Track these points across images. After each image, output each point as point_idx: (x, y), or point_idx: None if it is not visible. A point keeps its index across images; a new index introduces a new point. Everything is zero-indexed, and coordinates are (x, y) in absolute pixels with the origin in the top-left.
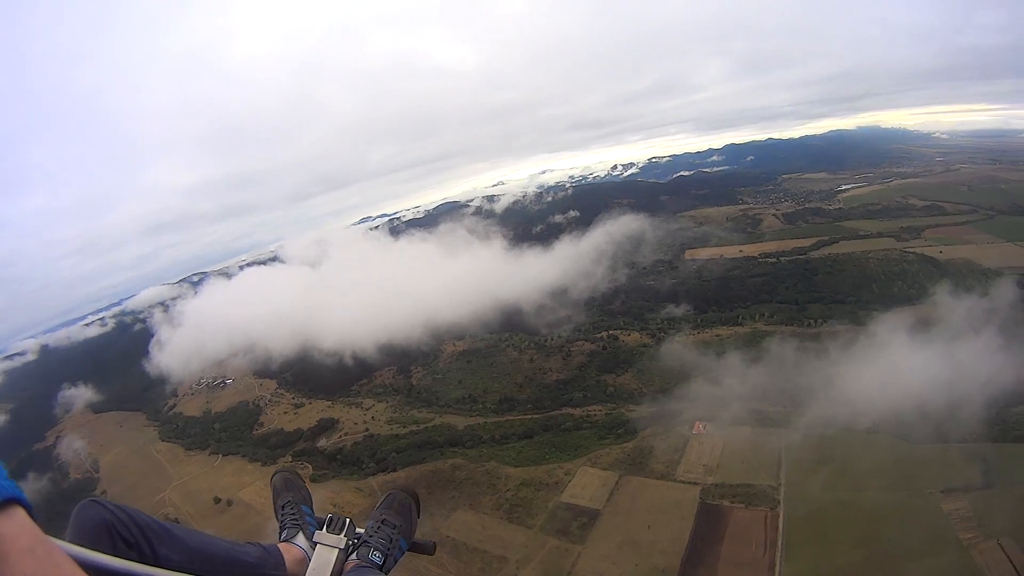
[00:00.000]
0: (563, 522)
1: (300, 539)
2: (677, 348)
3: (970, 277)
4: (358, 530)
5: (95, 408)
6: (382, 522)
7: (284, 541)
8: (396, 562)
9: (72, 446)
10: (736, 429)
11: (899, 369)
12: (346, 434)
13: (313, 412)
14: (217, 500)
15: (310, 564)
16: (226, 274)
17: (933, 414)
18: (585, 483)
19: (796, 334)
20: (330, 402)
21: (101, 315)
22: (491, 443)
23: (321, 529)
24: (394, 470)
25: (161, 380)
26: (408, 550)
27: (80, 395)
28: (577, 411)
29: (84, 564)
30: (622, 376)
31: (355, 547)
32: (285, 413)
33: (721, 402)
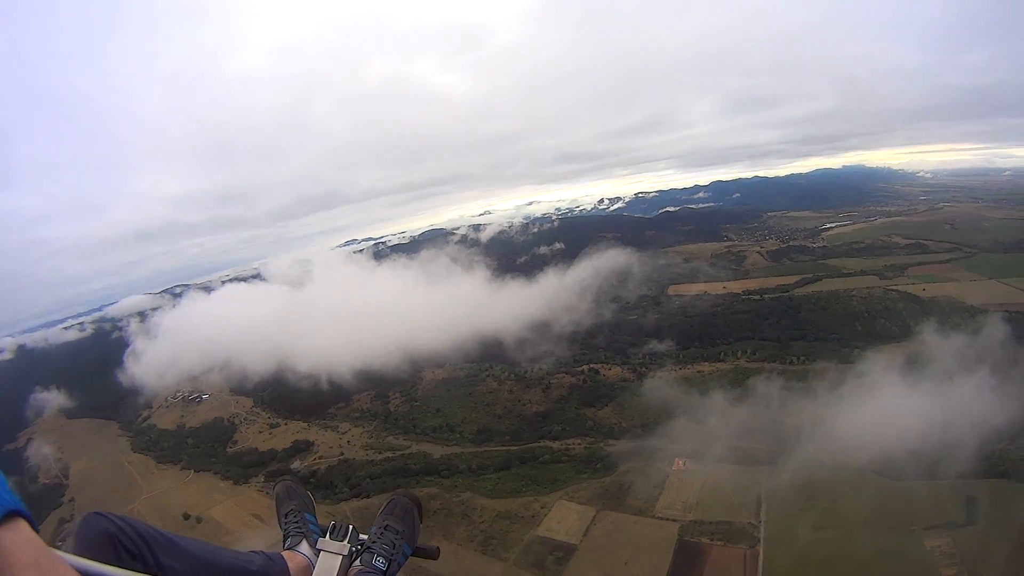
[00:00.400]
0: (538, 556)
1: (304, 547)
2: (658, 384)
3: (953, 314)
4: (361, 536)
5: (68, 413)
6: (385, 528)
7: (288, 549)
8: (400, 567)
9: (42, 450)
10: (717, 466)
11: (883, 407)
12: (321, 457)
13: (288, 433)
14: (186, 516)
15: (314, 571)
16: (208, 288)
17: (917, 451)
18: (562, 517)
19: (779, 371)
20: (306, 424)
21: (81, 320)
22: (467, 473)
23: (324, 536)
24: (368, 496)
25: (136, 390)
26: (412, 555)
27: (54, 399)
28: (556, 444)
29: None
30: (602, 410)
31: (359, 553)
32: (260, 432)
33: (702, 439)
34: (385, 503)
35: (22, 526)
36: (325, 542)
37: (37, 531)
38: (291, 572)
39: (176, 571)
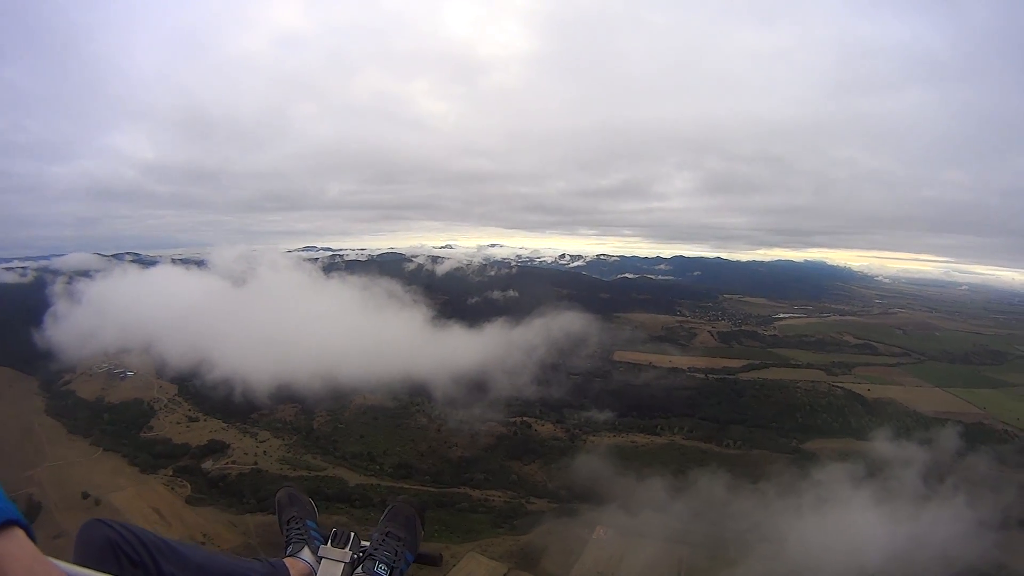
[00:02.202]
0: None
1: (305, 554)
2: (590, 448)
3: (895, 418)
4: (363, 544)
5: None
6: (387, 535)
7: (290, 556)
8: (402, 574)
9: None
10: (638, 541)
11: (811, 509)
12: (234, 462)
13: (206, 430)
14: (85, 495)
15: None
16: (154, 263)
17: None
18: (471, 570)
19: (713, 453)
20: (225, 424)
21: (26, 264)
22: (380, 507)
23: (326, 543)
24: (274, 512)
25: (61, 351)
26: (413, 562)
27: None
28: (476, 492)
29: None
30: (529, 465)
31: (360, 560)
32: (178, 423)
33: (626, 510)
34: (387, 510)
35: (18, 535)
36: (327, 549)
37: (34, 540)
38: None
39: None
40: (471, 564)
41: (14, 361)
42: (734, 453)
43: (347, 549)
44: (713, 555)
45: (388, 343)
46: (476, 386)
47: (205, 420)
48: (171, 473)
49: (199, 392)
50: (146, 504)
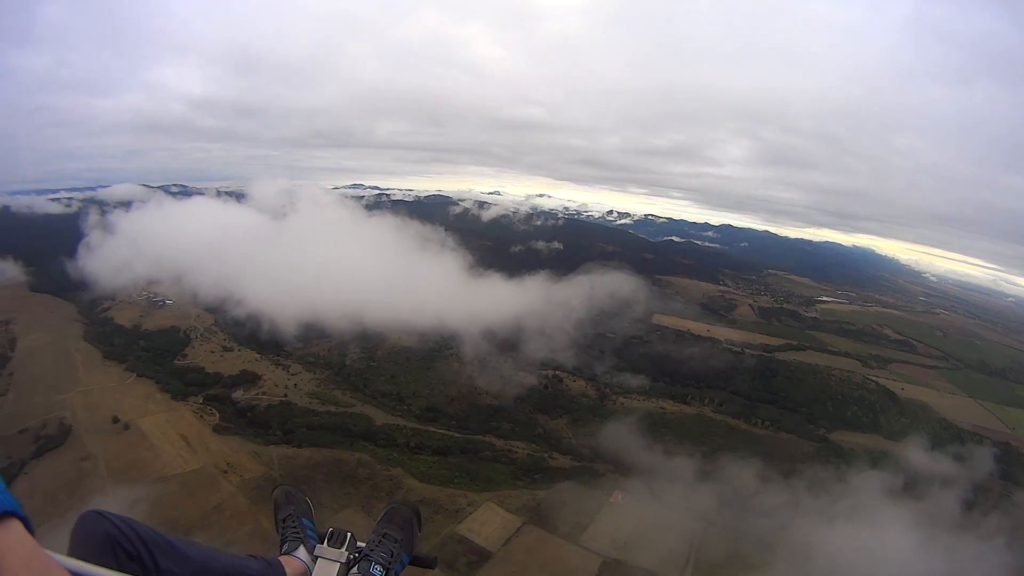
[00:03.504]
0: (452, 555)
1: (301, 552)
2: (619, 409)
3: (924, 422)
4: (359, 544)
5: (32, 286)
6: (383, 536)
7: (285, 554)
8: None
9: None
10: (654, 509)
11: (832, 505)
12: (264, 393)
13: (239, 360)
14: (116, 420)
15: None
16: (198, 195)
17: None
18: (486, 520)
19: (741, 431)
20: (259, 356)
21: (72, 195)
22: (404, 449)
23: (322, 543)
24: (299, 446)
25: (101, 279)
26: (409, 564)
27: (21, 268)
28: (500, 442)
29: None
30: (556, 420)
31: (356, 561)
32: (212, 352)
33: (647, 477)
34: (384, 511)
35: (16, 527)
36: (323, 549)
37: (32, 532)
38: None
39: (175, 574)
40: (487, 514)
41: (56, 288)
42: (761, 433)
43: (343, 549)
44: (727, 536)
45: (427, 285)
46: (511, 336)
47: (239, 350)
48: (201, 401)
49: (235, 323)
50: (174, 430)
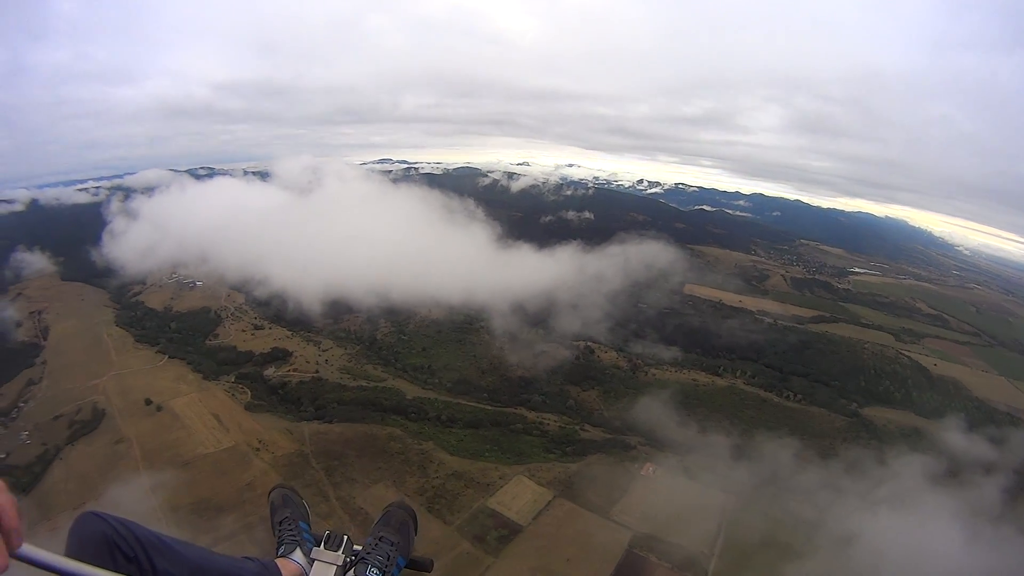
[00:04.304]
0: (482, 528)
1: (298, 555)
2: (650, 381)
3: (958, 400)
4: (356, 547)
5: (63, 275)
6: (380, 539)
7: (282, 557)
8: None
9: (29, 307)
10: (685, 483)
11: (866, 483)
12: (295, 370)
13: (270, 338)
14: (148, 402)
15: None
16: (225, 176)
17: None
18: (517, 493)
19: (773, 404)
20: (290, 333)
21: (100, 184)
22: (435, 422)
23: (319, 546)
24: (330, 422)
25: (131, 264)
26: (405, 567)
27: (52, 259)
28: (531, 415)
29: None
30: (587, 392)
31: (352, 564)
32: (243, 331)
33: (678, 450)
34: (381, 514)
35: None
36: (319, 551)
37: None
38: None
39: (172, 575)
40: (518, 487)
41: (87, 275)
42: (793, 407)
43: (340, 552)
44: (758, 512)
45: (457, 258)
46: (542, 308)
47: (270, 328)
48: (233, 380)
49: (265, 301)
50: (206, 410)
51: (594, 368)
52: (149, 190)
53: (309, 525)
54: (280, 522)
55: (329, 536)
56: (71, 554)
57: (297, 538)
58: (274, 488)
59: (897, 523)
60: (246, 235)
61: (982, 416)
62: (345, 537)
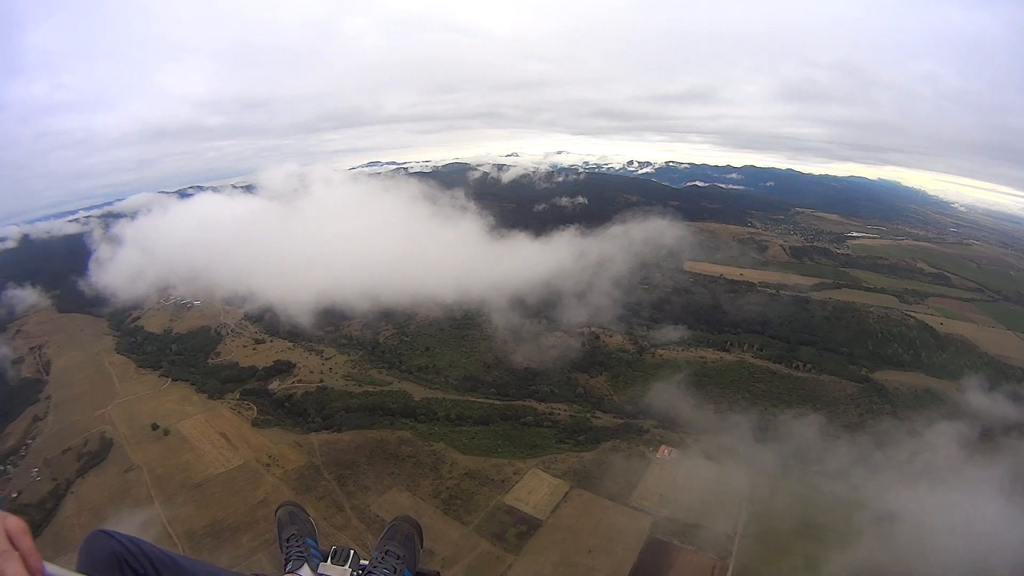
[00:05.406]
0: (501, 526)
1: (305, 571)
2: (659, 362)
3: (967, 358)
4: (362, 562)
5: (60, 307)
6: (386, 553)
7: (289, 573)
8: None
9: (29, 343)
10: (703, 463)
11: (886, 449)
12: (299, 381)
13: (272, 351)
14: (155, 427)
15: None
16: (216, 190)
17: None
18: (533, 487)
19: (783, 375)
20: (292, 344)
21: (90, 213)
22: (445, 422)
23: (326, 561)
24: (339, 430)
25: (125, 290)
26: None
27: (47, 292)
28: (541, 406)
29: None
30: (595, 378)
31: None
32: (244, 347)
33: (693, 430)
34: (386, 528)
35: None
36: (327, 567)
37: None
38: None
39: None
40: (533, 481)
41: (83, 306)
42: (803, 376)
43: (347, 567)
44: (778, 489)
45: (452, 254)
46: (543, 296)
47: (271, 341)
48: (238, 397)
49: (262, 315)
50: (213, 429)
51: (601, 353)
52: (140, 214)
53: (316, 541)
54: (287, 539)
55: (336, 551)
56: (81, 571)
57: (304, 554)
58: (280, 506)
59: (922, 490)
60: (232, 249)
61: (997, 373)
62: (352, 551)
